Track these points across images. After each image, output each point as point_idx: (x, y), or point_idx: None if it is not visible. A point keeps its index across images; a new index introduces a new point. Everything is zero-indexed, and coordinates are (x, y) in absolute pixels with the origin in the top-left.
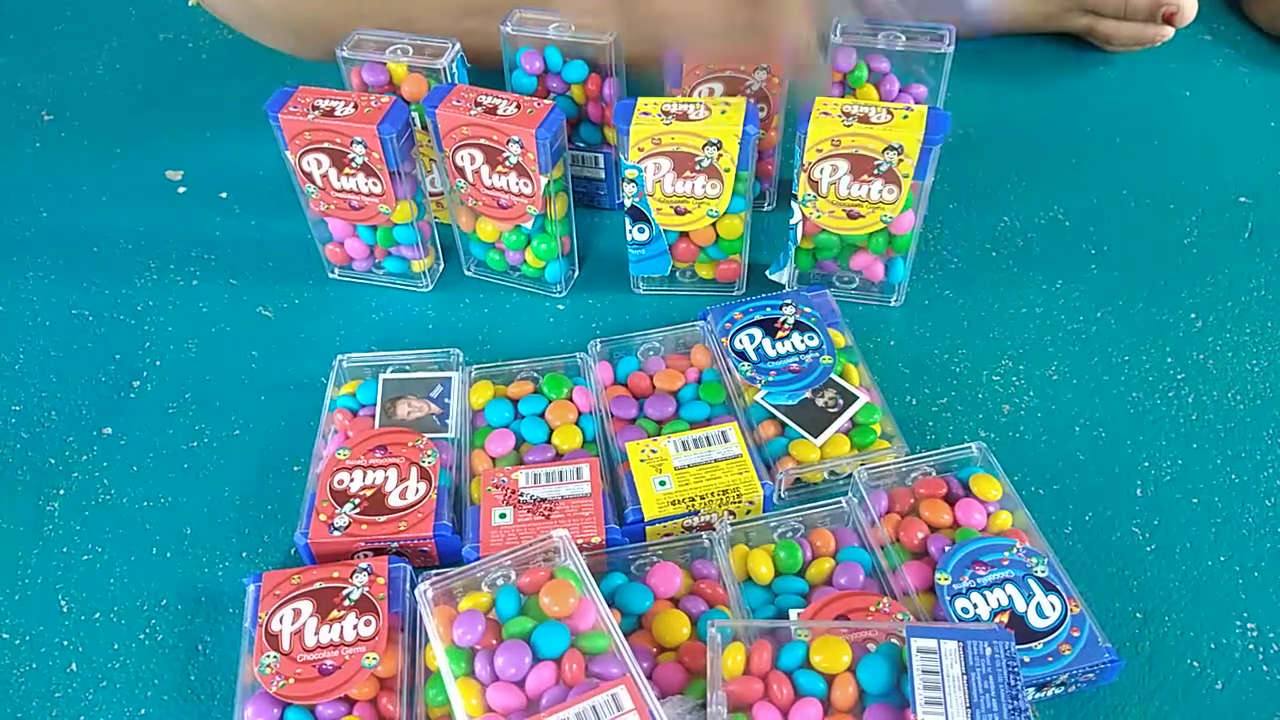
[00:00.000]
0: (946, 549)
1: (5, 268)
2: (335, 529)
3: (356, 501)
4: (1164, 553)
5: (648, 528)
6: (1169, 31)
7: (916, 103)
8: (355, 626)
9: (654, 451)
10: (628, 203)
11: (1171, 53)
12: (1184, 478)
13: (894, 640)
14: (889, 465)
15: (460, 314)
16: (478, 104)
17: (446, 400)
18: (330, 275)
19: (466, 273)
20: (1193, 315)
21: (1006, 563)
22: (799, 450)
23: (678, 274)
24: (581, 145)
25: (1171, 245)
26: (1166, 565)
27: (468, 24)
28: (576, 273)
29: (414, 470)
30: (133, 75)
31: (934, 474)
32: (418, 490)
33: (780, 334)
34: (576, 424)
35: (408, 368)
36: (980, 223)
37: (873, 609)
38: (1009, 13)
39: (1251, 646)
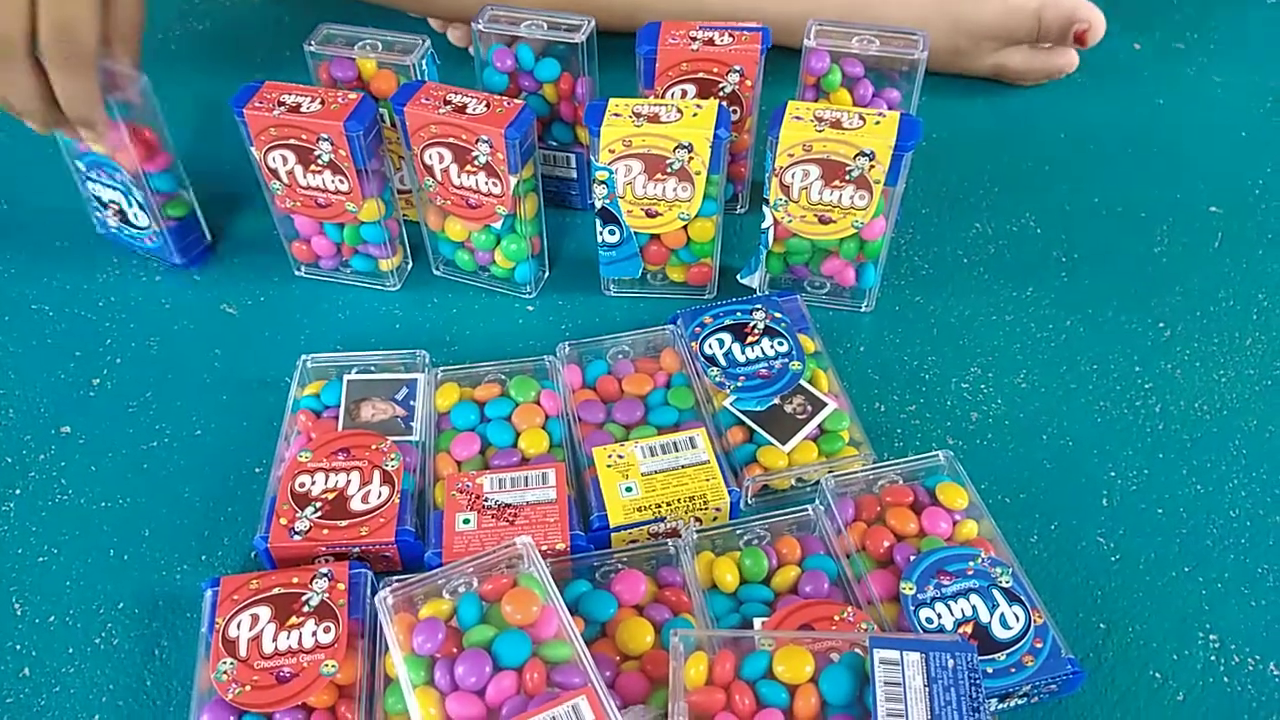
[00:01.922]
0: (912, 558)
1: None
2: (296, 533)
3: (318, 505)
4: (1128, 563)
5: (613, 534)
6: (1075, 60)
7: (890, 108)
8: (314, 633)
9: (621, 457)
10: (598, 204)
11: (1144, 61)
12: (1150, 488)
13: (857, 650)
14: (856, 473)
15: (428, 314)
16: (447, 102)
17: (411, 402)
18: (296, 273)
19: (435, 272)
20: (1161, 325)
21: (971, 573)
22: (767, 457)
23: (649, 276)
24: (553, 144)
25: (1142, 254)
26: (1131, 576)
27: None
28: (547, 273)
29: (377, 474)
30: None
31: (901, 482)
32: (380, 494)
33: (750, 339)
34: (543, 428)
35: (373, 369)
36: (952, 229)
37: (837, 618)
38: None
39: (1213, 658)
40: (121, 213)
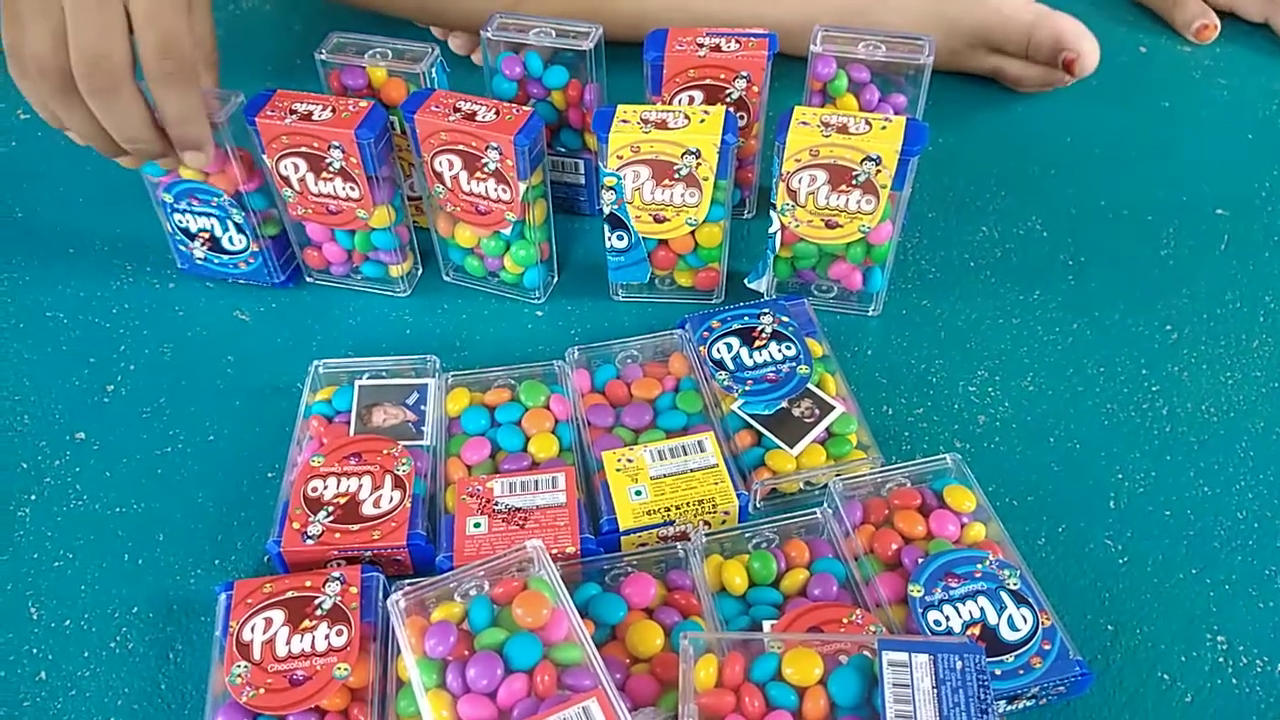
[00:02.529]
0: (920, 561)
1: None
2: (308, 537)
3: (330, 509)
4: (1136, 565)
5: (623, 537)
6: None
7: (896, 113)
8: (327, 636)
9: (630, 461)
10: (607, 210)
11: (1150, 64)
12: (1157, 490)
13: (866, 653)
14: (864, 476)
15: (438, 319)
16: (456, 110)
17: (422, 407)
18: (307, 279)
19: (445, 278)
20: (1168, 327)
21: (979, 575)
22: (775, 460)
23: (657, 281)
24: (562, 150)
25: (1148, 257)
26: (1138, 578)
27: None
28: (555, 278)
29: (388, 478)
30: None
31: (909, 485)
32: (392, 499)
33: (758, 343)
34: (553, 432)
35: (384, 374)
36: (958, 233)
37: (846, 620)
38: None
39: (1221, 659)
40: (213, 240)
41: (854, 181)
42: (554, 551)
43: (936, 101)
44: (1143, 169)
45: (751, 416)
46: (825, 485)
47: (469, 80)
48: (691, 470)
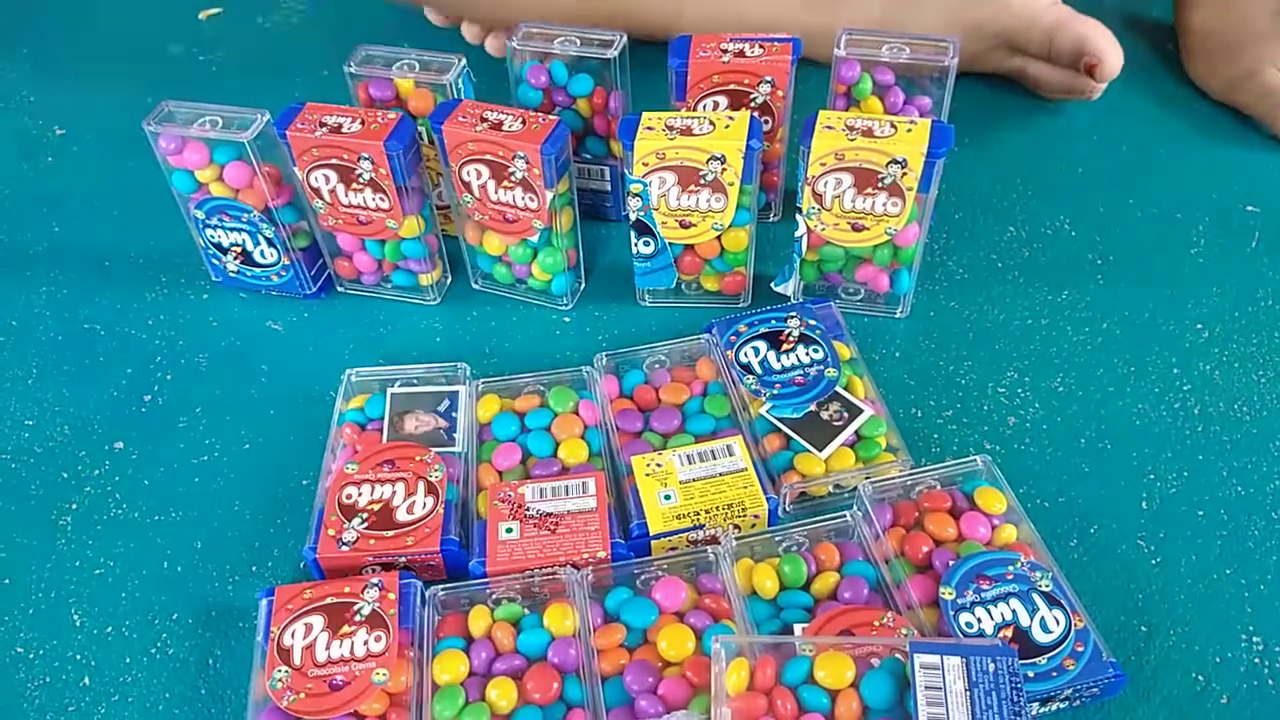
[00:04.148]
0: (951, 563)
1: (18, 282)
2: (344, 544)
3: (365, 516)
4: (1169, 566)
5: (653, 542)
6: (1099, 86)
7: (921, 114)
8: (366, 642)
9: (659, 465)
10: (633, 216)
11: (1179, 61)
12: (1189, 490)
13: (898, 656)
14: (894, 479)
15: (467, 326)
16: (483, 119)
17: (454, 414)
18: (338, 289)
19: (474, 285)
20: (1199, 326)
21: (1011, 577)
22: (804, 464)
23: (683, 286)
24: (587, 157)
25: (1178, 255)
26: (1171, 578)
27: None
28: (583, 284)
29: (421, 485)
30: (144, 89)
31: (939, 487)
32: (425, 505)
33: (785, 347)
34: (582, 437)
35: (415, 381)
36: (985, 233)
37: (877, 623)
38: None
39: (1257, 660)
40: (244, 254)
41: (880, 184)
42: (585, 556)
43: (961, 102)
44: (1171, 166)
45: (780, 420)
46: (855, 488)
47: (495, 89)
48: (720, 474)
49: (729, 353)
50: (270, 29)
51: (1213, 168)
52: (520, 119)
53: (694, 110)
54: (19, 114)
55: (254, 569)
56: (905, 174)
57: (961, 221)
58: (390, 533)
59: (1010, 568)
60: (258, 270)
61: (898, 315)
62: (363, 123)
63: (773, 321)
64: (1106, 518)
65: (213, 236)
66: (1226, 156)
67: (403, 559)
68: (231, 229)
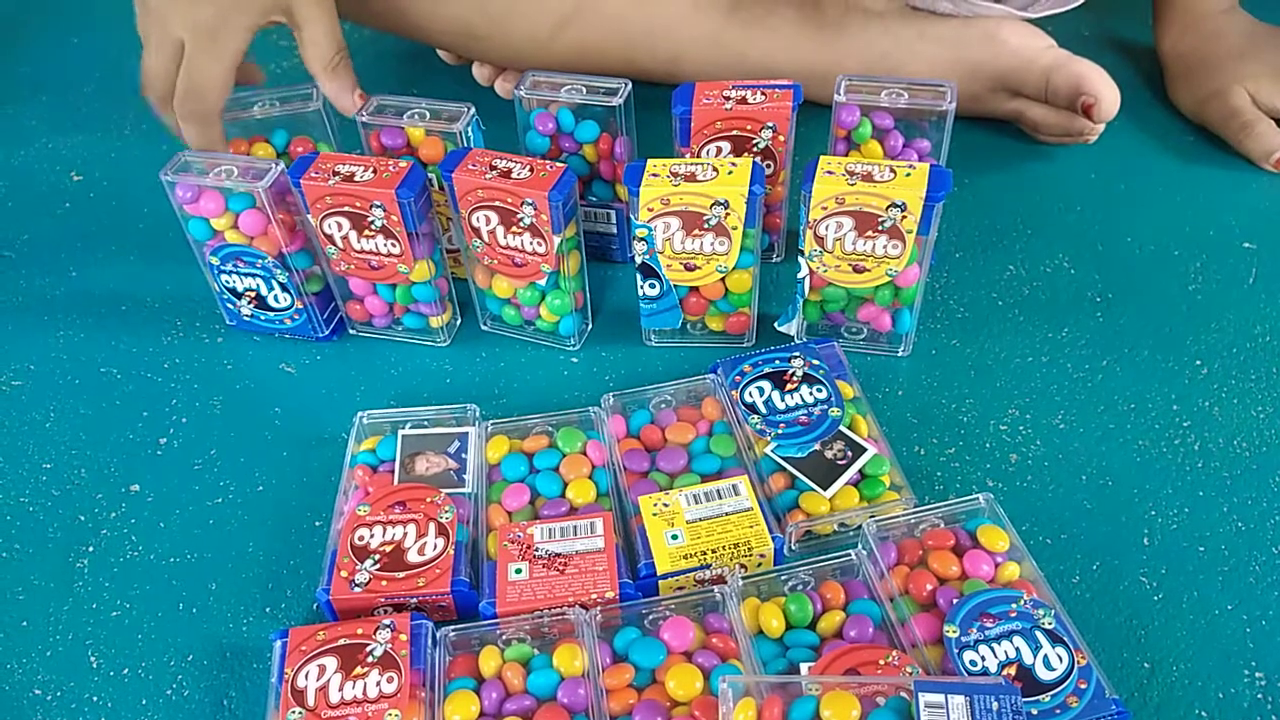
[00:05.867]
0: (955, 601)
1: (36, 327)
2: (356, 585)
3: (377, 557)
4: (1171, 602)
5: (660, 581)
6: (1097, 128)
7: (920, 157)
8: (378, 683)
9: (666, 505)
10: (639, 260)
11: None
12: (1191, 526)
13: (903, 694)
14: (898, 517)
15: (477, 368)
16: (493, 168)
17: (464, 455)
18: (350, 331)
19: (483, 327)
20: (1198, 362)
21: (1014, 614)
22: (809, 502)
23: (688, 326)
24: (593, 201)
25: (1176, 292)
26: (1174, 614)
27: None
28: (590, 326)
29: (432, 526)
30: (160, 135)
31: (942, 525)
32: (436, 546)
33: (789, 386)
34: (590, 478)
35: (426, 423)
36: (986, 272)
37: (882, 662)
38: None
39: (1260, 696)
40: (258, 299)
41: (880, 227)
42: (593, 596)
43: (960, 144)
44: (1168, 203)
45: (785, 459)
46: (859, 527)
47: (503, 135)
48: (727, 514)
49: (734, 392)
50: (283, 75)
51: (1209, 205)
52: (528, 166)
53: (698, 156)
54: (37, 159)
55: (268, 610)
56: (905, 217)
57: (962, 261)
58: (402, 574)
59: (1013, 605)
60: (271, 314)
61: (900, 354)
62: (375, 171)
63: (776, 361)
64: (1108, 554)
65: (227, 282)
66: (1223, 193)
67: (414, 600)
68: (246, 274)
